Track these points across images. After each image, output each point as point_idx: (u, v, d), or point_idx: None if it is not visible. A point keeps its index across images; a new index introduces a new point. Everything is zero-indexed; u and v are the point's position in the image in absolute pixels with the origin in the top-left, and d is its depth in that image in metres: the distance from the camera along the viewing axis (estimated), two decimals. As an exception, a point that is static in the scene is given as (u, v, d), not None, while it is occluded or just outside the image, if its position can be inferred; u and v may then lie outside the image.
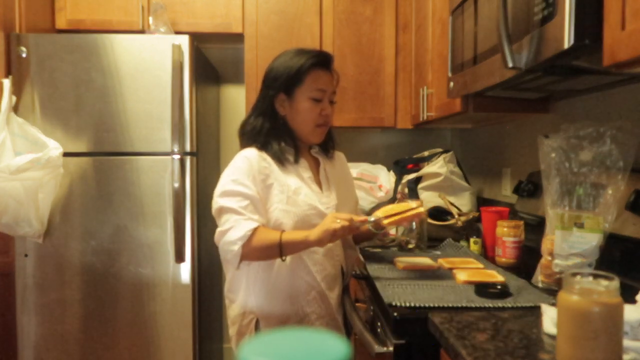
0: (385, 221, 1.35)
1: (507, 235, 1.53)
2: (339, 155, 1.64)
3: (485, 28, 1.33)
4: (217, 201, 1.36)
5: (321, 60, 1.43)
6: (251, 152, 1.40)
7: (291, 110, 1.43)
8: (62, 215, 2.11)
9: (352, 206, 1.59)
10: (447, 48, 1.69)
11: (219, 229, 1.34)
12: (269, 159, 1.40)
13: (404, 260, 1.50)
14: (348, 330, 1.49)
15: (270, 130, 1.43)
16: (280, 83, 1.41)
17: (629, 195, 1.22)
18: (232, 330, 1.45)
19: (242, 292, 1.41)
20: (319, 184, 1.48)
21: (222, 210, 1.35)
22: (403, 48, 2.54)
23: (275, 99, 1.43)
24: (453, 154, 2.34)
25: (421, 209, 1.38)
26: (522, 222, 1.56)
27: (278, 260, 1.37)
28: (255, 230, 1.30)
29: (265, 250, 1.31)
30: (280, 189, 1.38)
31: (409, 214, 1.36)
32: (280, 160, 1.41)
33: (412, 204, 1.44)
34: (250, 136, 1.44)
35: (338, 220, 1.26)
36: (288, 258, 1.38)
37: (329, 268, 1.43)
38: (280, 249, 1.30)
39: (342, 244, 1.52)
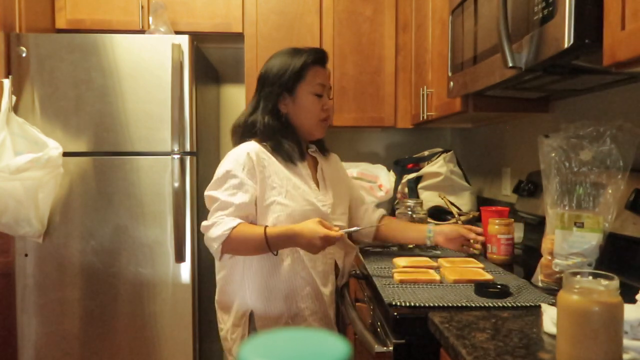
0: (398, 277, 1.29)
1: (500, 233, 1.55)
2: (334, 156, 1.66)
3: (485, 28, 1.33)
4: (209, 192, 1.39)
5: (319, 57, 1.48)
6: (252, 145, 1.41)
7: (294, 107, 1.45)
8: (62, 215, 2.11)
9: (347, 205, 1.61)
10: (447, 48, 1.69)
11: (203, 223, 1.36)
12: (268, 153, 1.41)
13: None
14: (340, 327, 1.49)
15: (279, 130, 1.44)
16: (283, 81, 1.43)
17: (629, 194, 1.22)
18: (225, 326, 1.45)
19: (238, 287, 1.42)
20: (317, 182, 1.50)
21: (211, 199, 1.37)
22: (403, 48, 2.53)
23: (280, 97, 1.44)
24: (453, 153, 2.34)
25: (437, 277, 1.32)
26: (512, 220, 1.59)
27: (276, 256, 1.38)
28: (235, 228, 1.31)
29: (248, 246, 1.33)
30: (279, 182, 1.39)
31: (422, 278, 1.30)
32: (290, 159, 1.42)
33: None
34: (262, 136, 1.44)
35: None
36: (288, 255, 1.39)
37: (322, 265, 1.45)
38: (267, 244, 1.30)
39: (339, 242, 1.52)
